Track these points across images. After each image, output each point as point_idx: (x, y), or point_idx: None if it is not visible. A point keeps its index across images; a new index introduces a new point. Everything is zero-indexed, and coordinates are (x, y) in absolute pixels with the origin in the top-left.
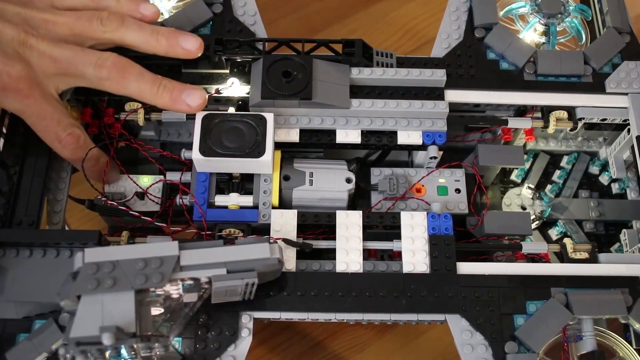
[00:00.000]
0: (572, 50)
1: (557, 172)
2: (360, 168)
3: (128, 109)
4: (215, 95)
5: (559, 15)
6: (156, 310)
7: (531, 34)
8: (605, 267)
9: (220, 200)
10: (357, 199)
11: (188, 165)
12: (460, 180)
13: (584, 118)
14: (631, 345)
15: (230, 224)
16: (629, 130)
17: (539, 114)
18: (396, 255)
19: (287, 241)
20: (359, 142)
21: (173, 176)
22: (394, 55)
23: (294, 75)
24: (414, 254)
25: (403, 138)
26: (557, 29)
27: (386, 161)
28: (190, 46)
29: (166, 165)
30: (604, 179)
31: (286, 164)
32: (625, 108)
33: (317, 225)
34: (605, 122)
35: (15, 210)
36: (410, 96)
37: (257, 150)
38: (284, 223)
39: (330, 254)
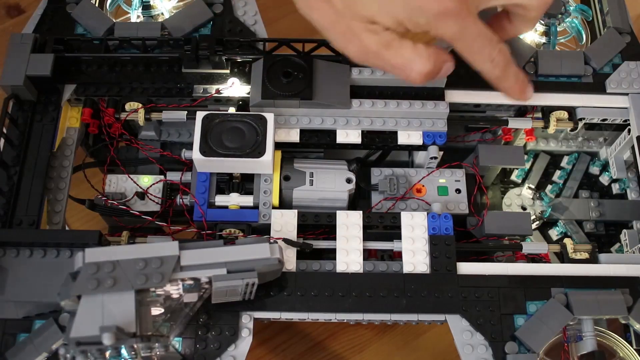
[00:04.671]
0: (573, 50)
1: (558, 173)
2: (360, 168)
3: (128, 109)
4: (216, 95)
5: (560, 16)
6: (156, 310)
7: (531, 34)
8: (606, 268)
9: (220, 200)
10: (358, 199)
11: (188, 165)
12: (461, 181)
13: (584, 118)
14: (631, 345)
15: (231, 224)
16: (629, 131)
17: (539, 114)
18: (396, 256)
19: (287, 241)
20: (360, 142)
21: (173, 176)
22: None
23: (294, 75)
24: (414, 254)
25: (403, 138)
26: (558, 29)
27: (386, 161)
28: (529, 96)
29: (166, 165)
30: (604, 179)
31: (286, 164)
32: (626, 108)
33: (317, 226)
34: (606, 122)
35: (15, 210)
36: (410, 96)
37: (257, 150)
38: (284, 223)
39: (331, 254)
